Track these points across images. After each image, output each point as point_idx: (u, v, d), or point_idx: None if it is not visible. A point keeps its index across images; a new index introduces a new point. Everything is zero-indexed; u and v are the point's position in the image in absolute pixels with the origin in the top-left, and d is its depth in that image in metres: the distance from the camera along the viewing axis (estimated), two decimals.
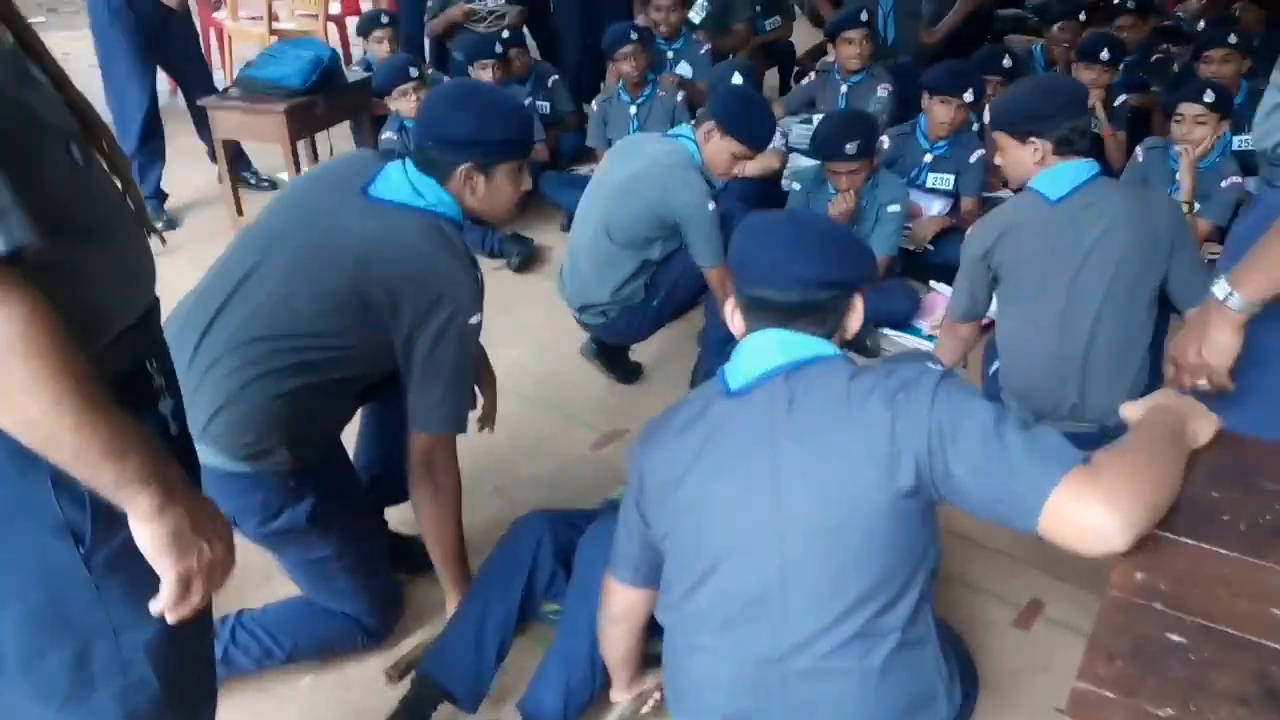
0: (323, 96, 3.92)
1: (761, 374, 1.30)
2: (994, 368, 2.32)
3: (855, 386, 1.24)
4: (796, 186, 3.39)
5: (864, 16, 4.07)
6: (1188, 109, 3.23)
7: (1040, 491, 1.10)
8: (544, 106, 4.46)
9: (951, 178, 3.55)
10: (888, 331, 3.26)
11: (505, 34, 4.36)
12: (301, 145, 4.07)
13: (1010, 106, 2.19)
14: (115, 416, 0.92)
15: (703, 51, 4.53)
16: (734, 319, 1.41)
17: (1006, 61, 3.97)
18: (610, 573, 1.56)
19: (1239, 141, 3.47)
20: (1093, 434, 2.07)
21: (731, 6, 5.02)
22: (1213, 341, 1.39)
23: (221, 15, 6.01)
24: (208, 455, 1.57)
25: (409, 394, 1.77)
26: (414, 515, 1.89)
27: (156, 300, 1.11)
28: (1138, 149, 3.50)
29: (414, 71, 3.82)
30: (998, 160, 2.27)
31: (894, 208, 3.24)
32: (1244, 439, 1.23)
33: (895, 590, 1.23)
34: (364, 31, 4.58)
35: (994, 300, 2.28)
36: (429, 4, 4.95)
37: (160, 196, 4.20)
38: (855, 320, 1.38)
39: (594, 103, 4.25)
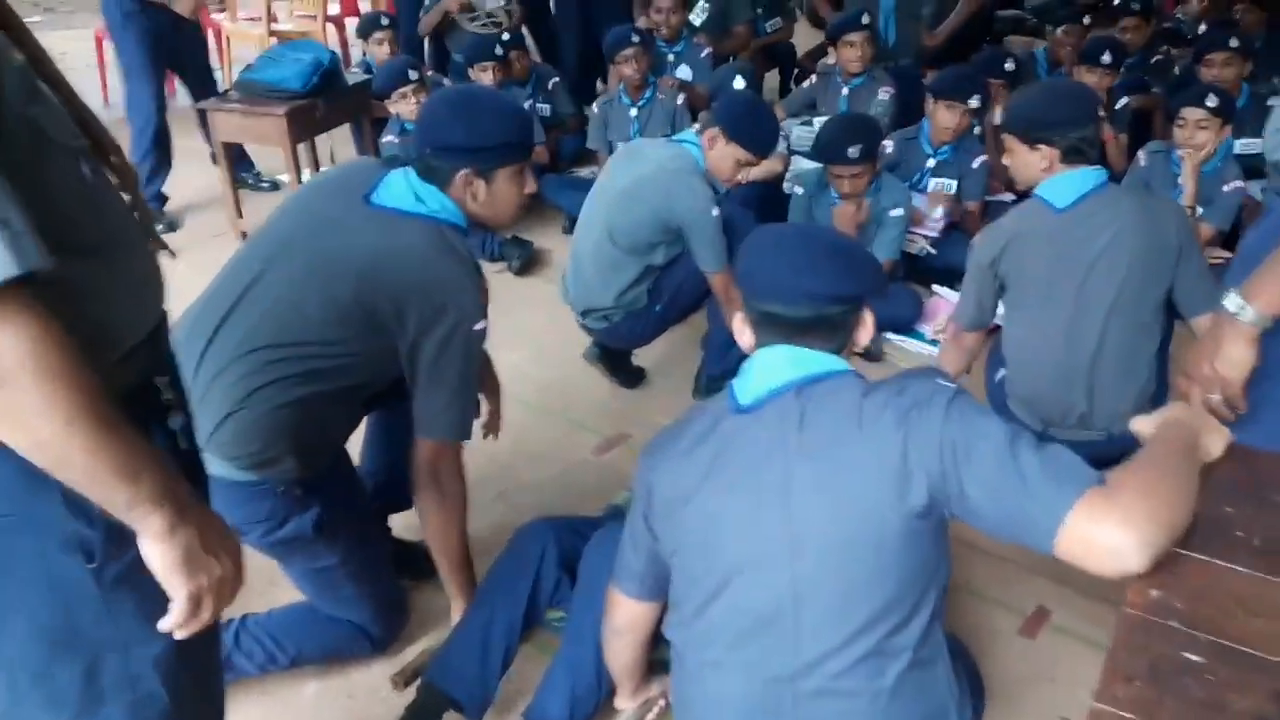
0: (323, 99, 3.91)
1: (772, 390, 1.30)
2: (999, 375, 2.32)
3: (867, 404, 1.24)
4: (799, 190, 3.39)
5: (865, 19, 4.07)
6: (1190, 113, 3.23)
7: (1056, 513, 1.10)
8: (544, 109, 4.45)
9: (954, 183, 3.55)
10: (890, 336, 3.26)
11: (506, 36, 4.35)
12: (301, 148, 4.06)
13: (1021, 111, 2.19)
14: (127, 436, 0.91)
15: (703, 55, 4.53)
16: (743, 333, 1.40)
17: (1009, 65, 3.97)
18: (615, 585, 1.56)
19: (1240, 145, 3.47)
20: (1100, 442, 2.07)
21: (732, 8, 5.02)
22: (1226, 355, 1.38)
23: (220, 17, 6.00)
24: (213, 464, 1.56)
25: (415, 401, 1.76)
26: (419, 522, 1.89)
27: (165, 315, 1.11)
28: (1140, 152, 3.50)
29: (414, 74, 3.81)
30: (1005, 160, 2.26)
31: (897, 212, 3.24)
32: (1256, 453, 1.23)
33: (907, 609, 1.23)
34: (364, 33, 4.57)
35: (999, 307, 2.28)
36: (424, 5, 4.94)
37: (160, 199, 4.21)
38: (865, 334, 1.38)
39: (594, 105, 4.25)
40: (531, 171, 1.86)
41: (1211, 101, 3.20)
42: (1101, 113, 3.69)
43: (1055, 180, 2.12)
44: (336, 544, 1.80)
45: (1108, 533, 1.06)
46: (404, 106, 3.80)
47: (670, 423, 1.49)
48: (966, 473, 1.16)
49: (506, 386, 2.20)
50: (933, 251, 3.51)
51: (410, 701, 1.79)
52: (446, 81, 4.51)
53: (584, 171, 4.37)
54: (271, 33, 5.62)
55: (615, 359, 3.07)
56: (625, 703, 1.78)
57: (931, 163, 3.54)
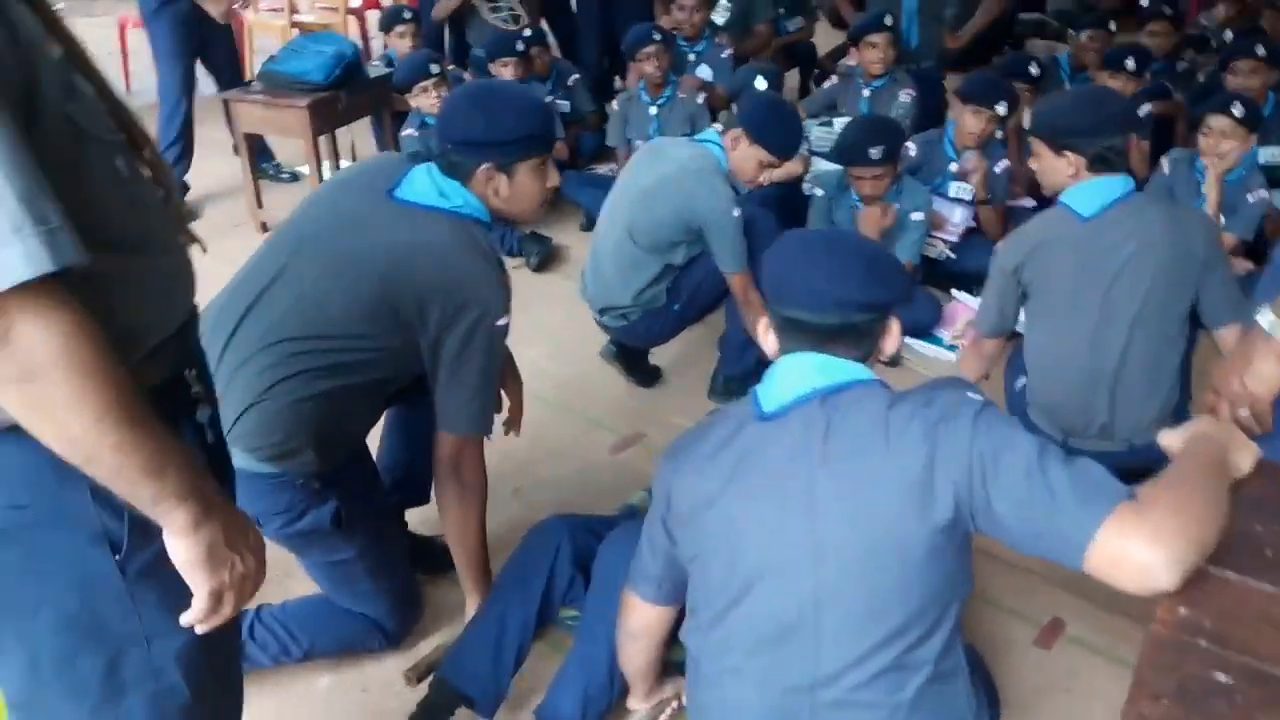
0: (345, 92, 3.92)
1: (797, 397, 1.29)
2: (1020, 383, 2.30)
3: (893, 415, 1.23)
4: (819, 193, 3.37)
5: (888, 20, 4.05)
6: (1216, 121, 3.19)
7: (1086, 529, 1.09)
8: (564, 105, 4.45)
9: (974, 188, 3.52)
10: (908, 341, 3.24)
11: (527, 32, 4.35)
12: (322, 140, 4.07)
13: (1050, 116, 2.17)
14: (156, 433, 0.92)
15: (724, 55, 4.51)
16: (767, 339, 1.39)
17: (1034, 69, 3.94)
18: (631, 588, 1.55)
19: (1266, 155, 3.44)
20: (1121, 453, 2.06)
21: (754, 8, 5.00)
22: (1257, 372, 1.37)
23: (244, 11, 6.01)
24: (234, 455, 1.56)
25: (436, 395, 1.76)
26: (439, 516, 1.89)
27: (196, 309, 1.11)
28: (1163, 160, 3.47)
29: (435, 68, 3.81)
30: (1032, 164, 2.25)
31: (917, 215, 3.22)
32: None
33: (930, 623, 1.22)
34: (386, 27, 4.57)
35: (1020, 314, 2.26)
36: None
37: (182, 189, 4.24)
38: (891, 343, 1.37)
39: (614, 102, 4.24)
40: (554, 165, 1.85)
41: (1238, 110, 3.17)
42: None
43: (1081, 188, 2.10)
44: (354, 538, 1.81)
45: (1139, 549, 1.05)
46: (425, 100, 3.80)
47: (687, 423, 1.48)
48: (994, 486, 1.15)
49: (524, 383, 2.20)
50: (952, 256, 3.49)
51: (423, 697, 1.79)
52: (466, 75, 4.51)
53: (602, 169, 4.37)
54: (293, 24, 5.63)
55: (632, 358, 3.07)
56: (638, 703, 1.78)
57: (954, 167, 3.52)
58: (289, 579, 2.00)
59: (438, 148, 1.79)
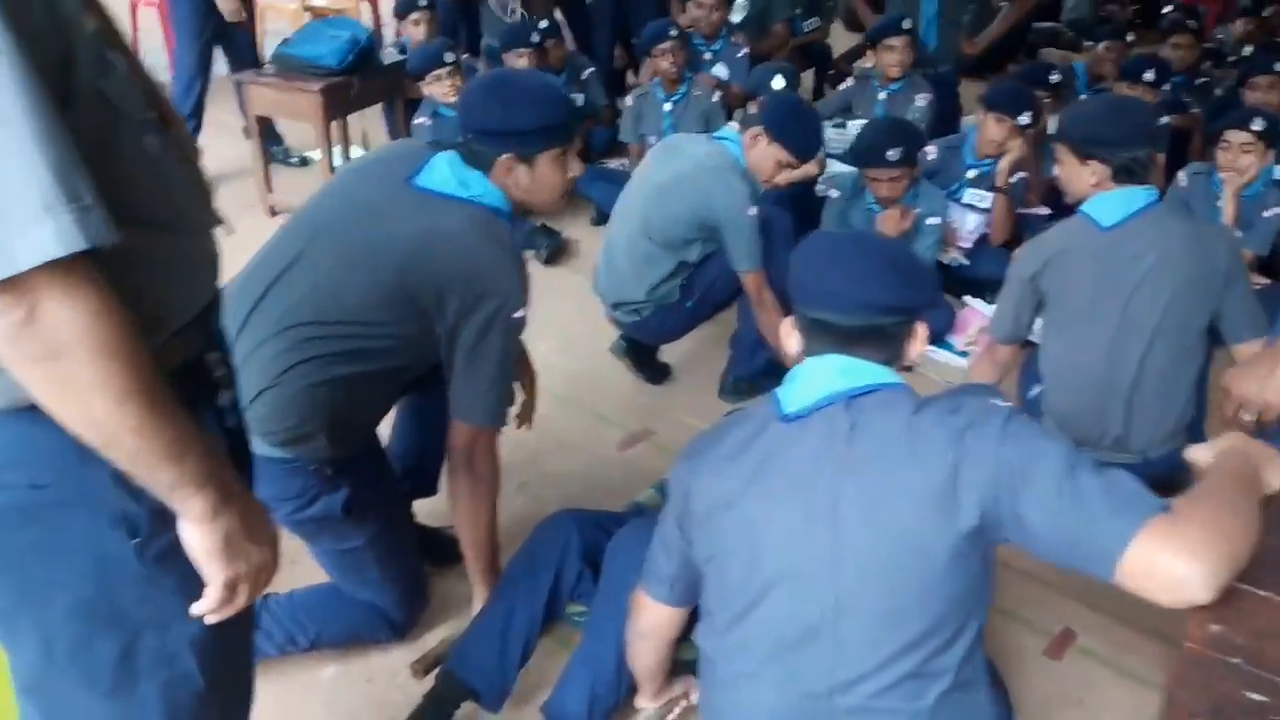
0: (358, 77, 3.90)
1: (820, 399, 1.27)
2: (1034, 392, 2.29)
3: (919, 421, 1.21)
4: (834, 194, 3.35)
5: (907, 23, 4.03)
6: (1235, 136, 3.18)
7: (1120, 541, 1.08)
8: (578, 99, 4.42)
9: (990, 195, 3.51)
10: None
11: (543, 24, 4.33)
12: (333, 125, 4.05)
13: (1076, 123, 2.15)
14: (177, 418, 0.90)
15: (740, 54, 4.50)
16: (790, 339, 1.38)
17: (1054, 77, 3.92)
18: (643, 587, 1.53)
19: None
20: (1135, 465, 2.05)
21: (771, 7, 4.98)
22: (1278, 384, 1.36)
23: None
24: None
25: (452, 385, 1.75)
26: (450, 506, 1.88)
27: (219, 293, 1.10)
28: (1180, 173, 3.46)
29: (449, 57, 3.79)
30: (1056, 170, 2.23)
31: (933, 220, 3.21)
32: None
33: (951, 631, 1.20)
34: (401, 13, 4.54)
35: (1035, 322, 2.25)
36: None
37: None
38: (917, 347, 1.35)
39: (628, 98, 4.22)
40: (576, 156, 1.83)
41: (1257, 124, 3.16)
42: None
43: (1103, 197, 2.09)
44: (364, 526, 1.79)
45: (1172, 562, 1.04)
46: (438, 89, 3.77)
47: (696, 421, 1.47)
48: (1024, 495, 1.14)
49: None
50: (965, 262, 3.48)
51: (429, 689, 1.78)
52: (479, 64, 4.49)
53: (614, 163, 4.35)
54: (306, 7, 5.61)
55: (641, 354, 3.05)
56: (646, 702, 1.77)
57: (972, 174, 3.50)
58: (294, 566, 1.98)
59: (460, 138, 1.77)
